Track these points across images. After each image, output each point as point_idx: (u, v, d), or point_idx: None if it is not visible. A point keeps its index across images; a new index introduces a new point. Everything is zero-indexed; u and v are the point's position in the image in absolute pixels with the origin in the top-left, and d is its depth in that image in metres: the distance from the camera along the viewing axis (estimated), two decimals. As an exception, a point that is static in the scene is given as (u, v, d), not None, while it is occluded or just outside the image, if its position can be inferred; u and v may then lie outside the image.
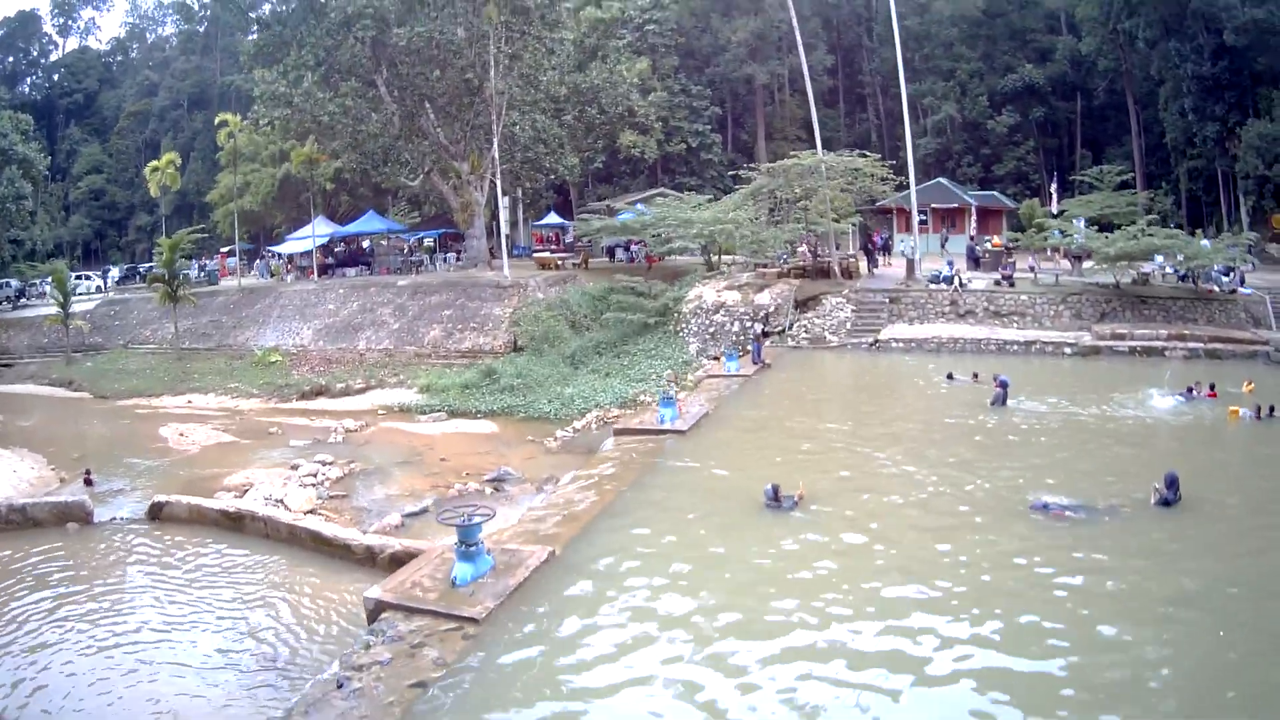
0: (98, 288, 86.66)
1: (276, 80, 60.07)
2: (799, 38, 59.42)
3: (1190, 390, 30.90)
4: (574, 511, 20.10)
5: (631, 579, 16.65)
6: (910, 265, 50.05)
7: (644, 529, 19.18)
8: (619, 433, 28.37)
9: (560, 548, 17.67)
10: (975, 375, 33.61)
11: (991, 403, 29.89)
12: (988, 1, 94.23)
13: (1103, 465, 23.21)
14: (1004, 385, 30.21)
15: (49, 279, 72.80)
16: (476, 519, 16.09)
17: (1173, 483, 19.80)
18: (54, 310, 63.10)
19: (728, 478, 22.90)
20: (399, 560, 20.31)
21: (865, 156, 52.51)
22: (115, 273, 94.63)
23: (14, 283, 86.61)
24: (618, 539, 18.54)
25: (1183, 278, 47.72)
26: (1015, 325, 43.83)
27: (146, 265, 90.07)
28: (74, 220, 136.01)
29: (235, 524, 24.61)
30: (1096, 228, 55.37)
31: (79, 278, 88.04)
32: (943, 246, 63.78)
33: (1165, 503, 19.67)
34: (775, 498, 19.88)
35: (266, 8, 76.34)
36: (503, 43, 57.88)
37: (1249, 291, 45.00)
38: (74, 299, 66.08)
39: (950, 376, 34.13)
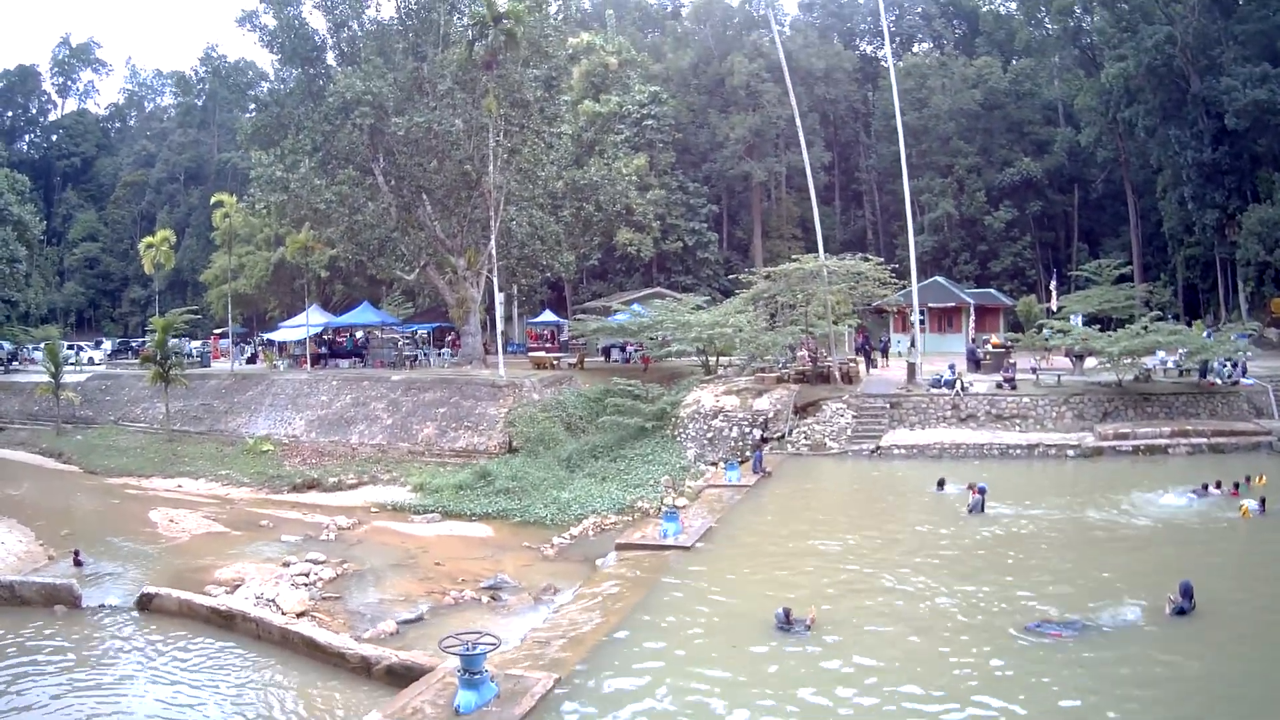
0: (89, 360, 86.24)
1: (273, 164, 59.89)
2: (801, 134, 59.66)
3: (1205, 487, 30.99)
4: (579, 634, 19.53)
5: (640, 708, 16.13)
6: (911, 369, 49.70)
7: (652, 655, 18.64)
8: (621, 547, 27.78)
9: (565, 674, 17.09)
10: (971, 485, 32.95)
11: (969, 510, 30.09)
12: (985, 94, 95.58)
13: (1108, 573, 23.16)
14: (982, 492, 30.47)
15: (42, 345, 72.45)
16: (480, 647, 15.56)
17: (1187, 591, 19.63)
18: (45, 379, 62.78)
19: (735, 597, 22.43)
20: (395, 673, 19.76)
21: (868, 260, 52.35)
22: (108, 345, 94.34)
23: (6, 345, 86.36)
24: (625, 665, 17.98)
25: (1183, 372, 47.73)
26: (1018, 428, 43.39)
27: (139, 340, 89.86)
28: (68, 287, 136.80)
29: (226, 622, 23.95)
30: (1097, 325, 55.37)
31: (71, 348, 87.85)
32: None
33: (1180, 611, 19.44)
34: (787, 621, 19.45)
35: (265, 86, 76.47)
36: (501, 135, 57.75)
37: (1251, 382, 45.12)
38: (66, 369, 65.94)
39: (941, 485, 33.72)
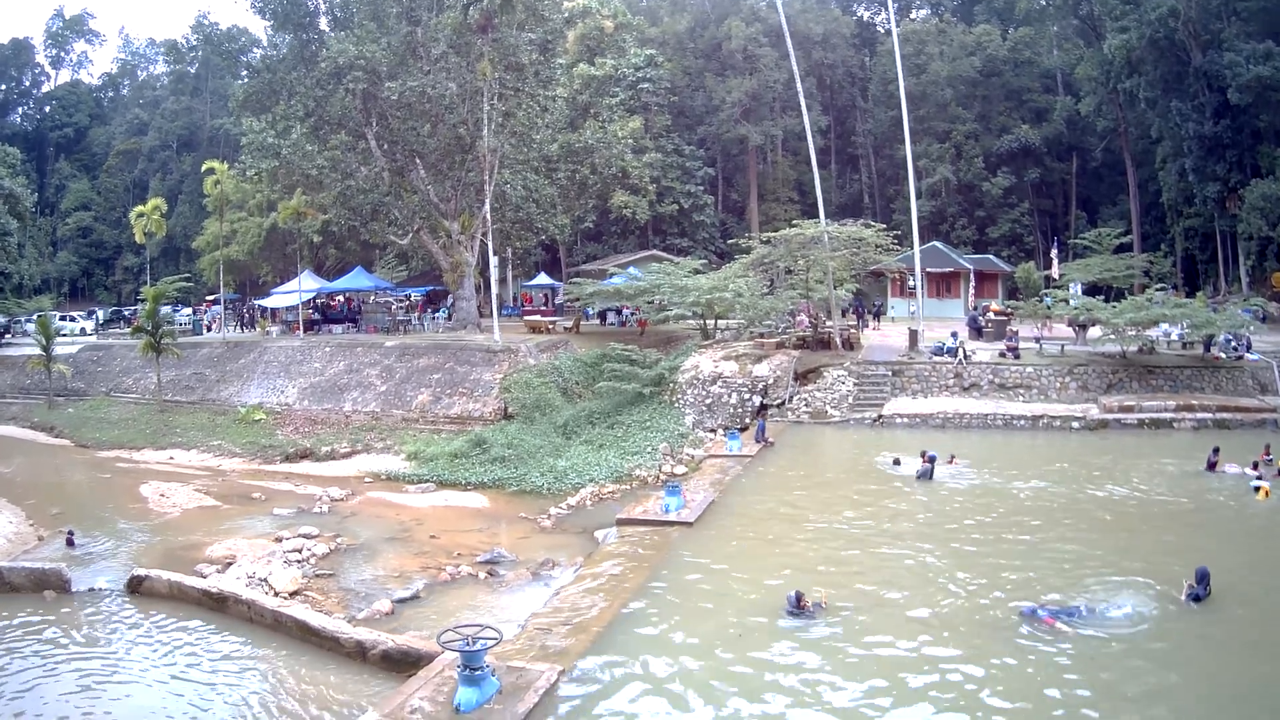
0: (82, 330, 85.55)
1: (264, 130, 59.10)
2: (801, 98, 58.76)
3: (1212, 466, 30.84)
4: (582, 620, 18.96)
5: (650, 703, 15.63)
6: (913, 336, 49.17)
7: (659, 642, 18.15)
8: (622, 522, 27.20)
9: (569, 665, 16.51)
10: (952, 457, 33.01)
11: (918, 476, 30.60)
12: (984, 62, 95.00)
13: (1118, 553, 22.90)
14: (932, 460, 31.26)
15: (34, 317, 71.84)
16: (481, 642, 14.95)
17: (1203, 578, 19.17)
18: (37, 352, 62.18)
19: (742, 578, 21.95)
20: (391, 658, 19.27)
21: (870, 226, 51.71)
22: (100, 315, 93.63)
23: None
24: (630, 654, 17.43)
25: (1187, 344, 47.38)
26: (1021, 398, 43.04)
27: (131, 308, 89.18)
28: (61, 256, 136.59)
29: (218, 605, 23.33)
30: (1100, 296, 54.94)
31: (64, 318, 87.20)
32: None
33: (1196, 598, 18.98)
34: (799, 605, 18.92)
35: (257, 53, 75.41)
36: (496, 99, 56.80)
37: (1255, 357, 44.75)
38: (59, 339, 65.63)
39: (896, 462, 33.18)
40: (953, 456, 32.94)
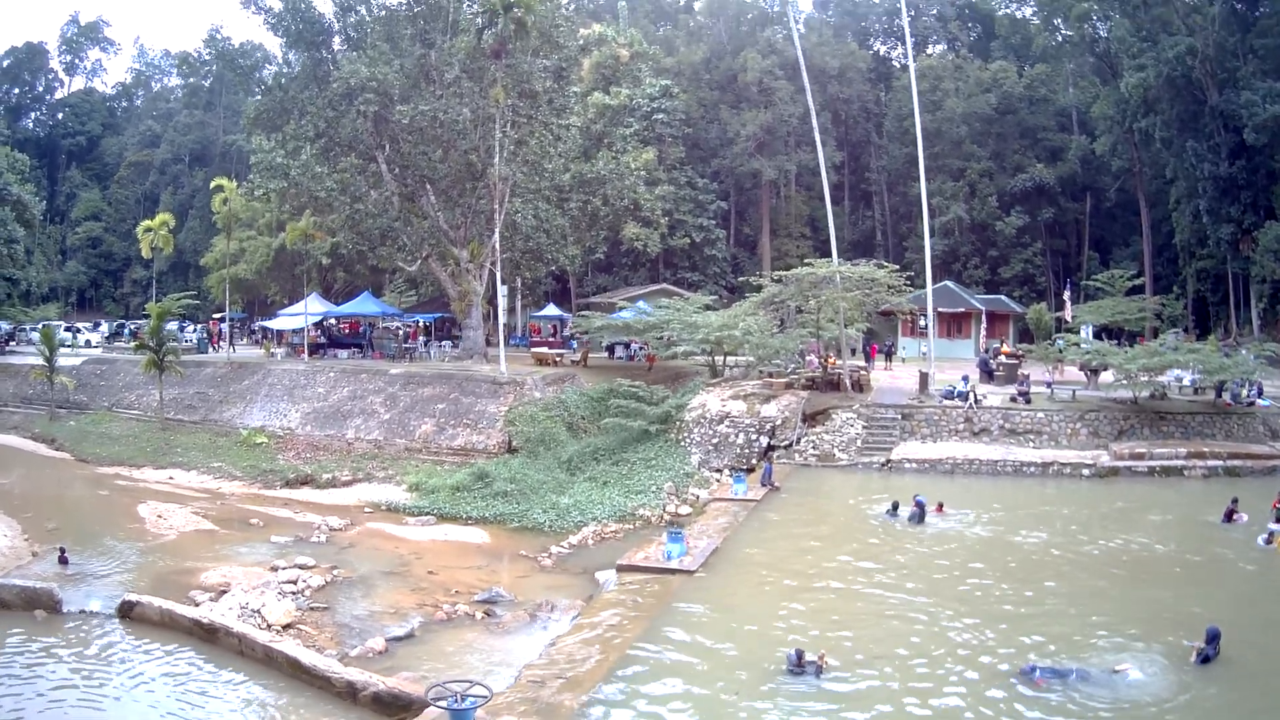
0: (87, 342, 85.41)
1: (274, 150, 58.66)
2: (816, 132, 58.63)
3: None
4: (575, 675, 18.57)
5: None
6: (924, 378, 48.67)
7: (654, 700, 17.83)
8: (622, 569, 26.80)
9: (562, 723, 16.05)
10: (940, 506, 32.68)
11: (909, 519, 30.97)
12: (999, 99, 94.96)
13: (1126, 608, 22.72)
14: (920, 505, 31.54)
15: (39, 326, 71.67)
16: (469, 700, 14.52)
17: (1214, 638, 18.79)
18: (41, 362, 61.84)
19: (742, 633, 21.61)
20: (381, 701, 19.19)
21: (884, 267, 51.21)
22: (105, 327, 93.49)
23: (4, 325, 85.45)
24: (626, 712, 17.09)
25: (1198, 390, 47.01)
26: (1031, 444, 42.44)
27: (136, 322, 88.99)
28: (70, 265, 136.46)
29: (209, 636, 23.27)
30: (1113, 342, 54.63)
31: (69, 329, 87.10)
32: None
33: (1205, 659, 18.62)
34: (799, 664, 18.57)
35: (270, 69, 75.37)
36: (509, 126, 56.63)
37: (1267, 403, 44.48)
38: (64, 350, 65.96)
39: (895, 507, 32.69)
40: (940, 505, 32.54)
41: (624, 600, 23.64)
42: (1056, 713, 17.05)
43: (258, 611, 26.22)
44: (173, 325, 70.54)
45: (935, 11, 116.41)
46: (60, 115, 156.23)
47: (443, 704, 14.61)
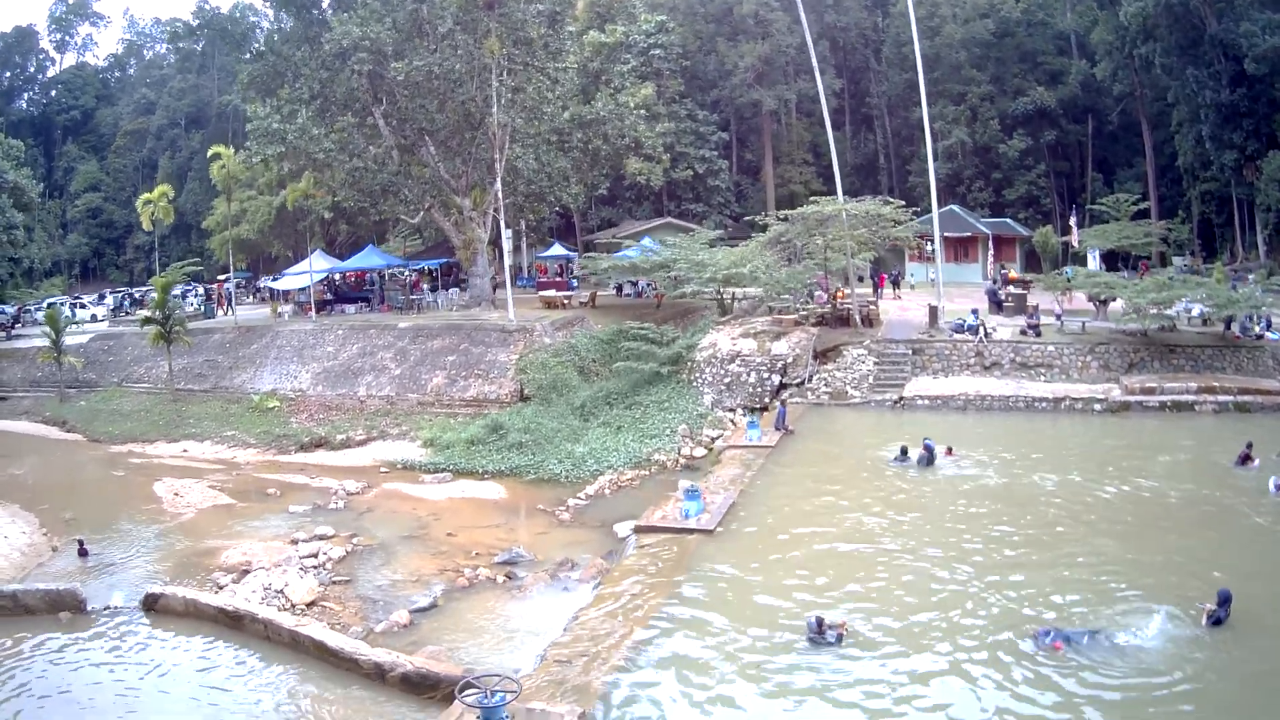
0: (93, 316, 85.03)
1: (270, 115, 57.92)
2: (814, 61, 58.06)
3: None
4: (600, 650, 18.65)
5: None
6: (933, 312, 48.49)
7: (679, 673, 17.95)
8: (640, 530, 26.75)
9: (590, 704, 16.21)
10: (949, 449, 32.69)
11: (918, 462, 31.09)
12: (997, 23, 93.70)
13: (1138, 567, 22.47)
14: (929, 449, 31.66)
15: (44, 305, 71.51)
16: (499, 695, 14.69)
17: (1225, 600, 18.69)
18: (47, 344, 61.30)
19: (763, 596, 21.65)
20: (410, 681, 19.29)
21: (890, 203, 50.89)
22: (110, 300, 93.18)
23: (8, 309, 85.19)
24: (652, 689, 17.26)
25: (1206, 320, 46.86)
26: (1042, 378, 42.49)
27: (141, 290, 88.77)
28: (71, 238, 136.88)
29: (234, 623, 23.36)
30: (1121, 266, 54.33)
31: (74, 302, 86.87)
32: None
33: (1217, 621, 18.55)
34: (819, 631, 18.66)
35: (265, 27, 74.70)
36: (504, 75, 55.98)
37: (1276, 337, 44.06)
38: (71, 326, 65.53)
39: (904, 452, 32.40)
40: (950, 448, 32.51)
41: (644, 566, 23.65)
42: (1070, 678, 17.02)
43: (281, 591, 26.30)
44: (177, 294, 70.18)
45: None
46: (53, 92, 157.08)
47: (473, 700, 14.66)
